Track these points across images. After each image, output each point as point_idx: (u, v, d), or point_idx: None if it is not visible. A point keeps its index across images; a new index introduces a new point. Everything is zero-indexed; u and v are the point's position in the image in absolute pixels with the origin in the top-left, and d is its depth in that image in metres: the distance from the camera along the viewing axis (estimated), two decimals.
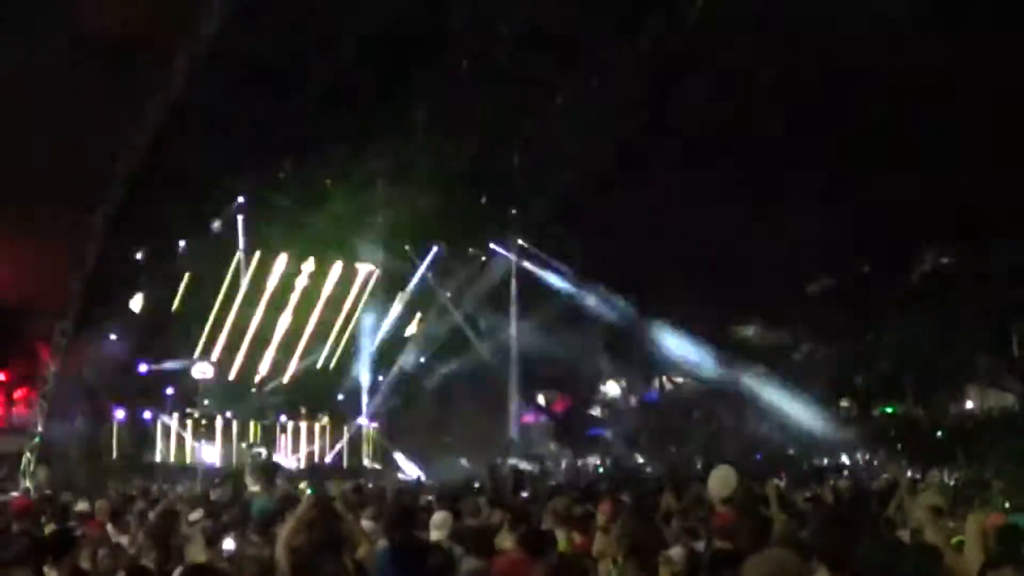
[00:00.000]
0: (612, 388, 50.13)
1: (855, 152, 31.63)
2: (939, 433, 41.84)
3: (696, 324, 39.16)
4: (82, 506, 14.28)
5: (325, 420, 44.70)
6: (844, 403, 46.43)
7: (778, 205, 32.42)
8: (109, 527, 11.51)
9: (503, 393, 44.16)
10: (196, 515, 12.12)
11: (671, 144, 32.65)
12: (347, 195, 35.97)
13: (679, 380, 48.51)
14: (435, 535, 9.48)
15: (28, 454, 36.03)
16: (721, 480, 12.82)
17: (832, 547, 6.25)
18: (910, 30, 27.32)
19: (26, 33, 27.56)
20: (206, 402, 41.33)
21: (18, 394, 51.34)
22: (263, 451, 36.87)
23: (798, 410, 38.93)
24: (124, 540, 10.59)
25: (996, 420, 40.32)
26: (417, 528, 9.31)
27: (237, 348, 42.30)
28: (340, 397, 44.96)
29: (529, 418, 50.32)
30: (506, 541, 8.80)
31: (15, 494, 17.19)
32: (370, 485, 25.15)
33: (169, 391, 40.16)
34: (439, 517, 9.90)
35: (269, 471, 25.25)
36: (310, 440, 44.04)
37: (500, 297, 42.20)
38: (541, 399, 49.39)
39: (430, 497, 15.71)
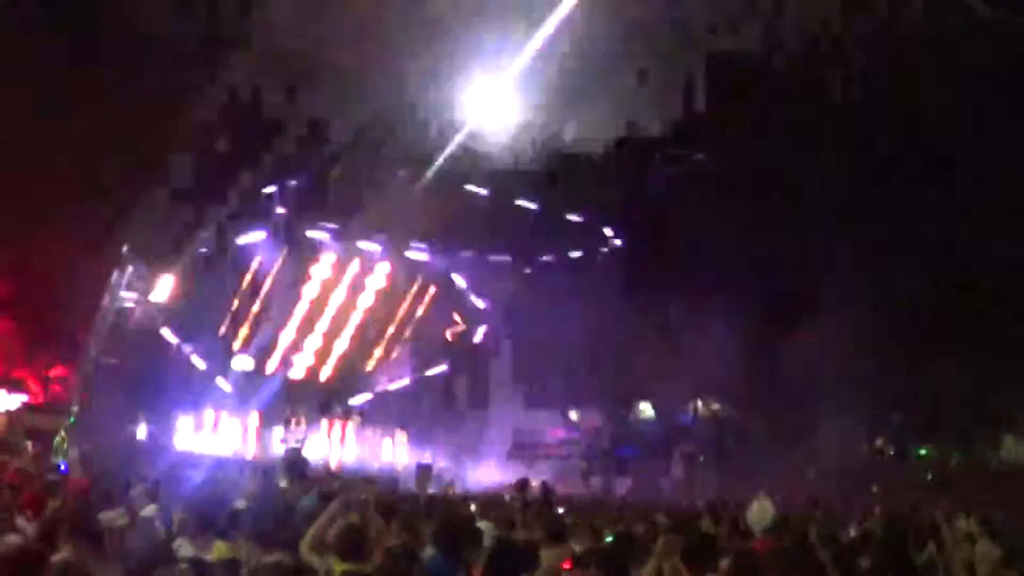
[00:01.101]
0: (646, 408, 49.83)
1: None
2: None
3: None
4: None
5: (357, 419, 44.66)
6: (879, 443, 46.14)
7: None
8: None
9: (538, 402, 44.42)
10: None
11: None
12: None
13: (715, 406, 48.23)
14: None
15: (62, 432, 36.23)
16: (760, 511, 12.66)
17: None
18: None
19: None
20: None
21: (55, 373, 51.83)
22: (297, 446, 36.81)
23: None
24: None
25: None
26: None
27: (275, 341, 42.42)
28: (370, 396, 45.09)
29: (559, 433, 50.14)
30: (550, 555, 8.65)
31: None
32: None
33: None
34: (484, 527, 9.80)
35: (299, 468, 25.17)
36: (342, 438, 43.99)
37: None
38: (574, 415, 49.12)
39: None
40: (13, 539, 7.71)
